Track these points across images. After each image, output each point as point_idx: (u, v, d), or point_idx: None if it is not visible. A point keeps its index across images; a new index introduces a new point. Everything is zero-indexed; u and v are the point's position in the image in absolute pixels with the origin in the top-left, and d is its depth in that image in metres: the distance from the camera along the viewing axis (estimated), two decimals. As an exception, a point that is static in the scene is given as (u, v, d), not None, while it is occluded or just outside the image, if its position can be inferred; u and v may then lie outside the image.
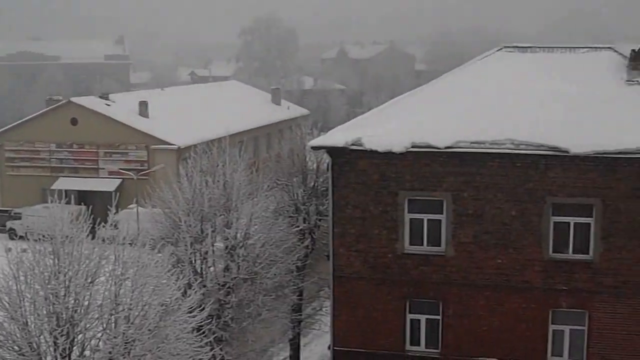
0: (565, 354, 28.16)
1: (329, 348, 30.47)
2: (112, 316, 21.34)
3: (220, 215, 31.02)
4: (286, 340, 39.52)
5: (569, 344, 28.07)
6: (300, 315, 37.56)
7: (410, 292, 28.71)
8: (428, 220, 28.24)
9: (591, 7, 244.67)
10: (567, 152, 26.39)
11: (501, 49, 33.03)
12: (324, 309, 39.18)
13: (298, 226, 35.93)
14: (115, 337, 21.08)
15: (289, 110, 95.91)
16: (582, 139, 26.51)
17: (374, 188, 28.21)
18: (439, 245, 28.27)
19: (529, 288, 27.75)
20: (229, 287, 30.55)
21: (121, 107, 72.22)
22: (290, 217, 36.46)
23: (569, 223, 27.35)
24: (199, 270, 30.46)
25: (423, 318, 28.92)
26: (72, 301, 20.81)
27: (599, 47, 32.74)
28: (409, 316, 28.94)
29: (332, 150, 28.30)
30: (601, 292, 27.30)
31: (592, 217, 27.07)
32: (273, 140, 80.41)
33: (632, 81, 29.83)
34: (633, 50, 30.35)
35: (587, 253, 27.33)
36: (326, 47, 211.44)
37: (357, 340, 29.17)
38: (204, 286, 29.49)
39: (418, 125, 28.17)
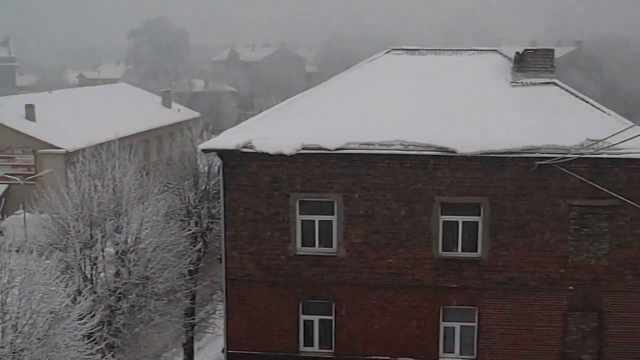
0: (457, 351, 28.68)
1: (223, 351, 30.35)
2: (-1, 325, 20.88)
3: (110, 220, 30.57)
4: (180, 344, 39.16)
5: (459, 340, 28.60)
6: (194, 319, 37.29)
7: (303, 293, 28.82)
8: (319, 221, 28.40)
9: (479, 13, 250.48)
10: (454, 152, 26.89)
11: (389, 51, 33.35)
12: (217, 312, 39.02)
13: (190, 229, 35.67)
14: (2, 347, 20.58)
15: (179, 113, 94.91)
16: (469, 139, 27.05)
17: (266, 190, 28.23)
18: (331, 246, 28.46)
19: (420, 286, 28.17)
20: (120, 293, 30.15)
21: (7, 111, 70.19)
22: (182, 220, 36.22)
23: (457, 222, 27.85)
24: (89, 276, 29.93)
25: (316, 319, 29.07)
26: (-43, 311, 20.29)
27: (485, 50, 33.39)
28: (302, 317, 29.05)
29: (223, 153, 28.20)
30: (490, 289, 27.92)
31: (479, 215, 27.65)
32: (164, 144, 79.54)
33: (517, 82, 30.51)
34: (517, 53, 31.04)
35: (476, 251, 27.90)
36: (217, 50, 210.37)
37: (250, 343, 29.14)
38: (95, 292, 29.08)
39: (308, 127, 28.28)
